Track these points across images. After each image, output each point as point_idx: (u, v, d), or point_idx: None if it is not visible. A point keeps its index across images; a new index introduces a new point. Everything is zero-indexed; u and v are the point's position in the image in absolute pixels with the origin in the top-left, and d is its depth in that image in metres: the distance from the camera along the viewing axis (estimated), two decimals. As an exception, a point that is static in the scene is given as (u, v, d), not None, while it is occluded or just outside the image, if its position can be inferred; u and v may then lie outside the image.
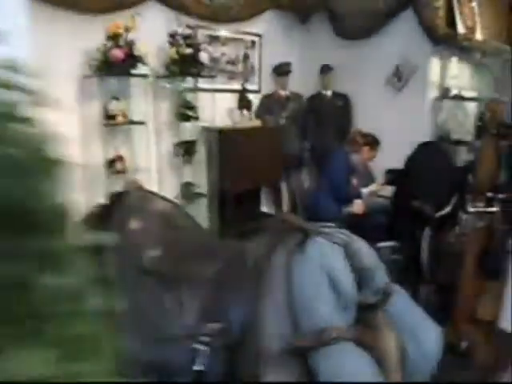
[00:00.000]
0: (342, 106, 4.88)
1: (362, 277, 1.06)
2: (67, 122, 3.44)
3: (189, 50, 3.61)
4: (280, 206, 5.19)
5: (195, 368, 0.96)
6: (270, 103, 4.78)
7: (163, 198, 1.41)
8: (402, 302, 1.18)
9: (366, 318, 1.09)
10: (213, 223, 4.68)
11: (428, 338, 1.16)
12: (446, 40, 3.93)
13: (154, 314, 1.09)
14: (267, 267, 0.97)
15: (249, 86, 4.62)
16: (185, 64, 3.70)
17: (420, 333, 1.15)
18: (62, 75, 3.38)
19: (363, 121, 4.60)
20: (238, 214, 4.49)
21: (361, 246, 1.08)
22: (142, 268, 1.16)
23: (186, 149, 4.20)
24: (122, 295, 1.18)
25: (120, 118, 3.66)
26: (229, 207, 4.45)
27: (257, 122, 4.62)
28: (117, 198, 1.34)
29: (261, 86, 4.87)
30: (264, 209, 5.18)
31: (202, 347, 0.99)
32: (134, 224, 1.25)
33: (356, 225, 3.85)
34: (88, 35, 3.38)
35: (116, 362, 1.11)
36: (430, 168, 2.83)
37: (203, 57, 3.77)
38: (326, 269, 0.94)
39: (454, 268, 2.72)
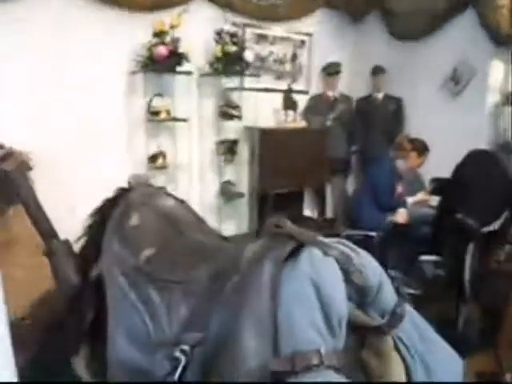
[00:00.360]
0: (393, 110, 4.67)
1: (364, 296, 0.95)
2: (114, 117, 3.55)
3: (233, 48, 3.59)
4: (323, 210, 5.06)
5: (170, 379, 0.90)
6: (317, 104, 4.66)
7: (171, 196, 1.36)
8: (415, 326, 1.06)
9: (371, 343, 0.98)
10: (252, 224, 4.64)
11: (442, 370, 1.03)
12: (509, 41, 3.62)
13: (142, 316, 1.04)
14: (250, 276, 0.90)
15: (296, 87, 4.52)
16: (229, 62, 3.67)
17: (434, 364, 1.02)
18: (111, 71, 3.48)
19: (414, 126, 4.36)
20: (278, 216, 4.41)
21: (364, 261, 0.97)
22: (135, 266, 1.11)
23: (227, 147, 4.18)
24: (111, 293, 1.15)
25: (163, 115, 3.70)
26: (268, 208, 4.39)
27: (302, 123, 4.51)
28: (121, 193, 1.31)
29: (309, 87, 4.76)
30: (307, 213, 5.07)
31: (182, 357, 0.92)
32: (134, 220, 1.21)
33: (399, 235, 3.68)
34: (136, 32, 3.44)
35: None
36: (480, 178, 2.60)
37: (248, 55, 3.73)
38: (315, 284, 0.85)
39: (500, 289, 2.49)
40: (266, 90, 4.31)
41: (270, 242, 0.97)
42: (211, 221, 4.36)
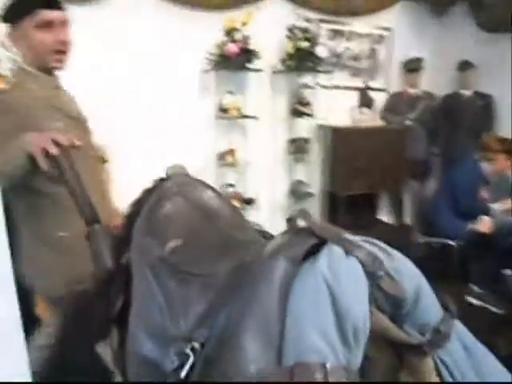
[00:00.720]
0: (483, 108, 4.27)
1: (397, 306, 0.83)
2: (186, 114, 3.64)
3: (305, 44, 3.50)
4: (400, 215, 4.78)
5: (176, 376, 0.86)
6: (397, 102, 4.40)
7: (209, 187, 1.32)
8: (465, 347, 0.91)
9: (408, 362, 0.86)
10: (323, 225, 4.50)
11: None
12: None
13: (161, 308, 1.02)
14: (262, 273, 0.82)
15: (374, 84, 4.31)
16: (301, 58, 3.59)
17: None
18: (185, 70, 3.57)
19: (503, 125, 3.94)
20: (350, 219, 4.25)
21: (398, 265, 0.84)
22: (160, 257, 1.09)
23: (299, 146, 4.10)
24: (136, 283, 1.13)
25: (233, 112, 3.72)
26: (340, 210, 4.24)
27: (378, 122, 4.29)
28: (159, 183, 1.29)
29: (388, 84, 4.51)
30: (382, 217, 4.81)
31: (191, 354, 0.88)
32: (164, 210, 1.19)
33: (481, 246, 3.34)
34: (210, 31, 3.49)
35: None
36: None
37: (321, 51, 3.62)
38: (330, 287, 0.75)
39: None
40: (341, 87, 4.16)
41: (289, 238, 0.89)
42: (280, 220, 4.31)
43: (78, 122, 1.50)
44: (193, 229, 1.18)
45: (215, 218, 1.25)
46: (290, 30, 3.58)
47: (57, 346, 1.24)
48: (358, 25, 4.14)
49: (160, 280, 1.07)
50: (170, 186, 1.27)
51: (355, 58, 4.24)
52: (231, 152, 3.86)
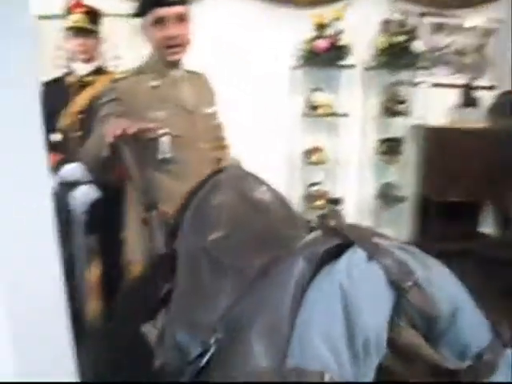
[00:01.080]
0: None
1: (430, 324, 0.75)
2: (275, 111, 3.65)
3: (399, 39, 3.30)
4: (506, 228, 4.30)
5: (196, 364, 0.87)
6: (507, 102, 3.96)
7: (262, 182, 1.30)
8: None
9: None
10: (414, 233, 4.24)
11: None
12: None
13: (195, 298, 1.03)
14: (281, 270, 0.79)
15: (480, 82, 3.93)
16: (396, 54, 3.40)
17: None
18: (275, 67, 3.59)
19: None
20: (446, 229, 3.94)
21: (434, 277, 0.75)
22: (202, 247, 1.11)
23: (390, 146, 3.90)
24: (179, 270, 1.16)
25: (322, 109, 3.65)
26: (433, 218, 3.95)
27: (483, 123, 3.90)
28: (212, 174, 1.31)
29: (498, 82, 4.08)
30: (486, 229, 4.37)
31: (213, 345, 0.88)
32: (214, 201, 1.21)
33: None
34: (301, 28, 3.45)
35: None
36: None
37: (417, 46, 3.38)
38: (344, 292, 0.69)
39: None
40: (441, 84, 3.86)
41: (315, 237, 0.85)
42: (366, 223, 4.14)
43: (190, 114, 1.55)
44: (239, 221, 1.17)
45: (264, 212, 1.23)
46: (385, 24, 3.41)
47: (108, 323, 1.33)
48: (464, 17, 3.80)
49: (198, 270, 1.08)
50: (223, 178, 1.29)
51: (459, 53, 3.90)
52: (318, 150, 3.79)
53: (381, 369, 0.80)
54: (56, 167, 2.05)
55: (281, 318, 0.73)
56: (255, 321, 0.76)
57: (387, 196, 4.05)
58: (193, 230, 1.17)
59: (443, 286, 0.76)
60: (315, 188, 3.87)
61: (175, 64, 1.56)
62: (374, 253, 0.74)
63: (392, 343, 0.77)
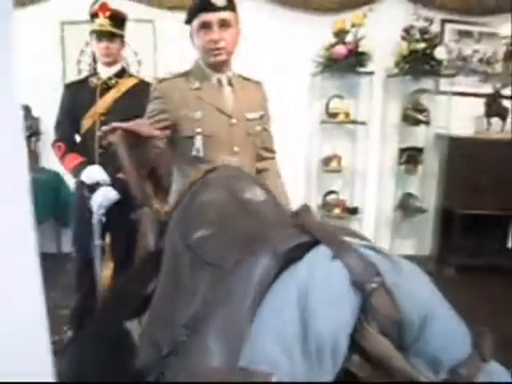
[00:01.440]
0: None
1: (400, 331, 0.71)
2: (293, 118, 3.63)
3: (421, 46, 3.22)
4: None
5: (162, 360, 0.85)
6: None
7: (257, 184, 1.28)
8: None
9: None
10: (435, 246, 4.10)
11: None
12: None
13: (172, 294, 1.02)
14: (243, 267, 0.76)
15: (508, 91, 3.79)
16: (417, 61, 3.32)
17: None
18: (293, 73, 3.57)
19: None
20: (470, 243, 3.81)
21: (406, 284, 0.71)
22: (186, 245, 1.10)
23: (411, 156, 3.81)
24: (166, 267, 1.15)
25: (341, 117, 3.60)
26: (456, 231, 3.81)
27: (510, 134, 3.76)
28: (205, 173, 1.30)
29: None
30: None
31: (180, 341, 0.86)
32: (202, 199, 1.20)
33: None
34: (320, 34, 3.43)
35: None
36: None
37: (440, 53, 3.30)
38: (302, 291, 0.66)
39: None
40: (466, 93, 3.75)
41: (284, 233, 0.82)
42: (385, 234, 4.04)
43: (227, 117, 1.59)
44: (227, 220, 1.15)
45: (253, 213, 1.21)
46: (407, 30, 3.34)
47: (93, 317, 1.33)
48: (492, 24, 3.69)
49: (180, 268, 1.07)
50: (213, 177, 1.27)
51: (486, 61, 3.79)
52: (336, 158, 3.74)
53: (348, 375, 0.76)
54: (77, 170, 2.09)
55: (240, 316, 0.71)
56: (214, 318, 0.73)
57: (407, 207, 3.94)
58: (179, 227, 1.16)
59: (414, 290, 0.72)
60: (332, 196, 3.82)
61: (219, 68, 1.60)
62: (339, 251, 0.70)
63: (360, 349, 0.73)
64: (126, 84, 2.18)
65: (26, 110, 3.29)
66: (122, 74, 2.21)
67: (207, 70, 1.60)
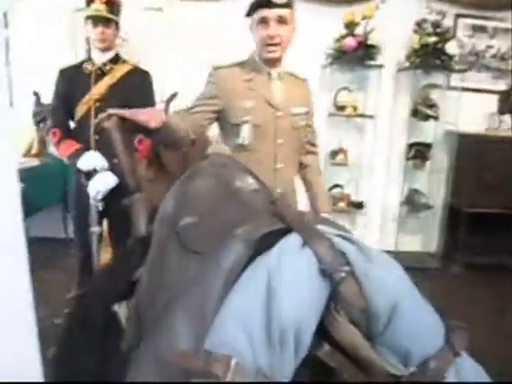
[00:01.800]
0: None
1: (368, 321, 0.71)
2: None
3: (432, 39, 3.17)
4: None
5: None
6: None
7: (248, 173, 1.28)
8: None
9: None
10: (441, 243, 4.07)
11: None
12: None
13: (155, 278, 1.03)
14: (217, 253, 0.77)
15: (521, 88, 3.72)
16: (428, 55, 3.27)
17: None
18: (304, 65, 3.54)
19: None
20: (477, 241, 3.77)
21: (375, 273, 0.71)
22: (174, 230, 1.11)
23: (419, 151, 3.77)
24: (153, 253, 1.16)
25: (349, 110, 3.58)
26: (463, 229, 3.77)
27: (521, 132, 3.70)
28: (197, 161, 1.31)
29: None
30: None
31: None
32: (191, 187, 1.20)
33: None
34: (331, 26, 3.40)
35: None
36: None
37: (451, 48, 3.24)
38: (269, 278, 0.67)
39: None
40: (478, 89, 3.68)
41: (260, 221, 0.82)
42: (391, 230, 4.02)
43: (274, 109, 1.64)
44: (215, 208, 1.16)
45: (242, 202, 1.21)
46: (419, 24, 3.29)
47: (80, 300, 1.36)
48: (508, 19, 3.60)
49: (166, 254, 1.08)
50: (204, 165, 1.28)
51: (501, 57, 3.71)
52: (343, 151, 3.73)
53: (317, 363, 0.77)
54: (73, 156, 2.11)
55: (208, 300, 0.72)
56: (184, 301, 0.75)
57: (413, 202, 3.91)
58: (168, 214, 1.17)
59: (384, 281, 0.72)
60: (337, 190, 3.80)
61: (272, 62, 1.65)
62: (310, 239, 0.71)
63: (330, 338, 0.74)
64: (120, 70, 2.19)
65: (36, 96, 3.33)
66: (117, 60, 2.22)
67: (261, 64, 1.65)
